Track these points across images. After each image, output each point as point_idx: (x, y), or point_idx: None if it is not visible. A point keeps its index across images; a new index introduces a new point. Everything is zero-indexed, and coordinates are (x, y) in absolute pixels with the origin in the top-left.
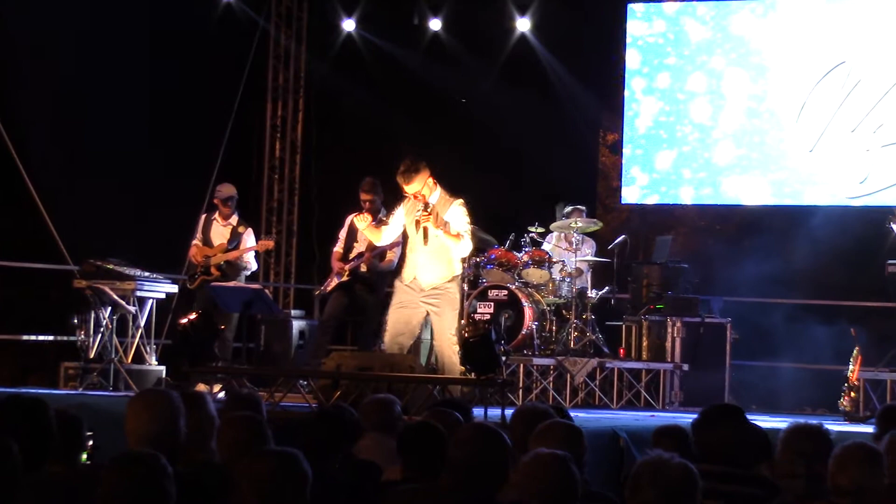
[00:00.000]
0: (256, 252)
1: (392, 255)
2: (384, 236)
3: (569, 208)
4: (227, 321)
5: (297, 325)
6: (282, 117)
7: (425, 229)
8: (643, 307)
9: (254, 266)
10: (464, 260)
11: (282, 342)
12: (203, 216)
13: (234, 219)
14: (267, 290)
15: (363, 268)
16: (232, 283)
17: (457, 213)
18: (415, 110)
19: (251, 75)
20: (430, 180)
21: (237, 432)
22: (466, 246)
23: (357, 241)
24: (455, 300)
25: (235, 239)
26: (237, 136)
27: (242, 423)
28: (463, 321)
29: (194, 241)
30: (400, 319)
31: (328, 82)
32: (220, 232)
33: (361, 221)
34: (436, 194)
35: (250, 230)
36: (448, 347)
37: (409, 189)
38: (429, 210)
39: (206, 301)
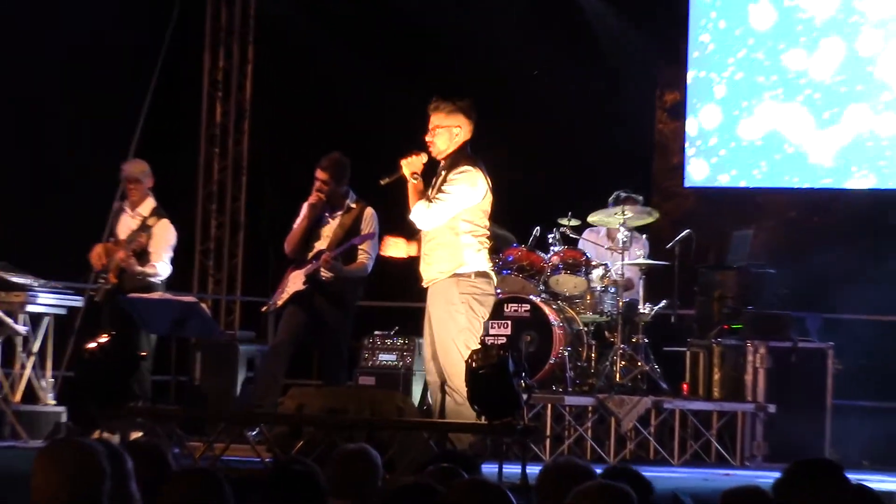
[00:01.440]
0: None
1: (367, 256)
2: (434, 211)
3: (622, 195)
4: (147, 346)
5: (244, 351)
6: (224, 71)
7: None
8: (714, 327)
9: (163, 273)
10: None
11: (224, 375)
12: (116, 205)
13: (147, 207)
14: (204, 305)
15: (324, 273)
16: (156, 295)
17: (448, 181)
18: (409, 62)
19: (183, 15)
20: (458, 133)
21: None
22: (426, 216)
23: (320, 236)
24: (454, 301)
25: (137, 234)
26: (163, 98)
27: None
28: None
29: (111, 240)
30: (426, 337)
31: (288, 23)
32: (127, 225)
33: (414, 162)
34: (453, 157)
35: (166, 223)
36: (448, 375)
37: (431, 121)
38: (428, 144)
39: (119, 318)
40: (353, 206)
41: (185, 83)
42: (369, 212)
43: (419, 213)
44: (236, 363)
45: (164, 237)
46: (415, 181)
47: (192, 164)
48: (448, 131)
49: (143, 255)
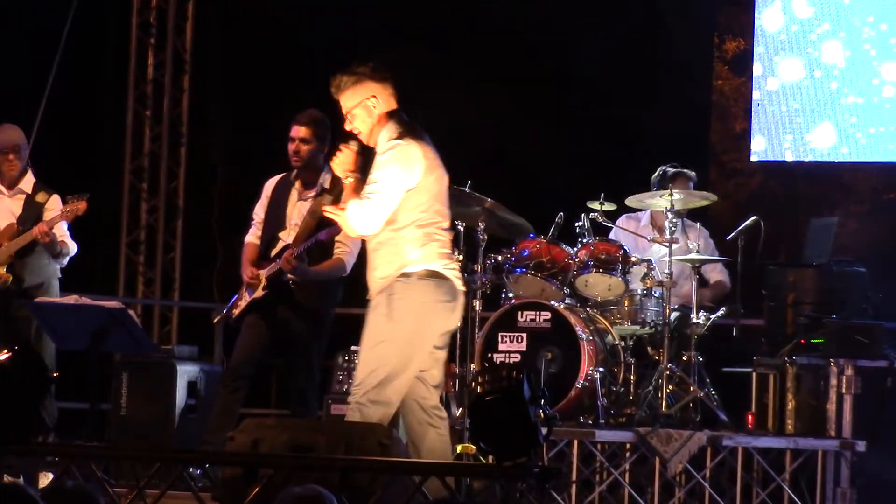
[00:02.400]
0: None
1: (345, 251)
2: (370, 209)
3: (669, 170)
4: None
5: (184, 372)
6: (157, 10)
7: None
8: (788, 342)
9: (73, 247)
10: (445, 247)
11: (158, 402)
12: None
13: (29, 182)
14: (132, 312)
15: (283, 264)
16: (71, 299)
17: (374, 167)
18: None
19: None
20: (375, 104)
21: None
22: (363, 218)
23: (285, 225)
24: (392, 313)
25: (33, 213)
26: (78, 45)
27: None
28: (473, 365)
29: None
30: None
31: None
32: (5, 209)
33: (343, 158)
34: (385, 134)
35: (57, 197)
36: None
37: (342, 106)
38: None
39: (21, 330)
40: (329, 186)
41: (106, 25)
42: None
43: (354, 216)
44: (173, 387)
45: (63, 215)
46: (350, 180)
47: (116, 130)
48: (363, 108)
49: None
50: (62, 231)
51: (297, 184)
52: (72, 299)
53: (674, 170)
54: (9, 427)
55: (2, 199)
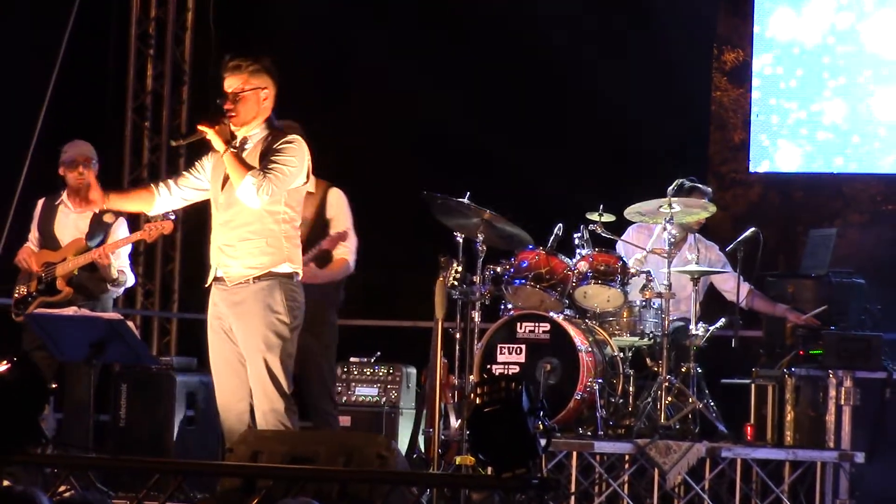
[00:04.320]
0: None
1: (347, 251)
2: (271, 182)
3: (687, 183)
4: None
5: (183, 383)
6: (157, 21)
7: (224, 177)
8: (787, 354)
9: (130, 279)
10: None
11: (157, 414)
12: (41, 202)
13: None
14: (131, 323)
15: None
16: (70, 311)
17: (277, 150)
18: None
19: None
20: (266, 96)
21: None
22: (261, 190)
23: None
24: (278, 309)
25: (100, 231)
26: (78, 56)
27: None
28: (472, 377)
29: (26, 244)
30: (221, 353)
31: None
32: (71, 223)
33: (223, 129)
34: (257, 129)
35: (123, 221)
36: (260, 395)
37: (227, 83)
38: (226, 106)
39: (34, 340)
40: (313, 190)
41: (106, 36)
42: (335, 194)
43: (250, 187)
44: (172, 398)
45: (125, 239)
46: (234, 150)
47: (116, 141)
48: (255, 95)
49: (92, 265)
50: (123, 261)
51: None
52: (70, 310)
53: (691, 184)
54: (8, 438)
55: (68, 215)
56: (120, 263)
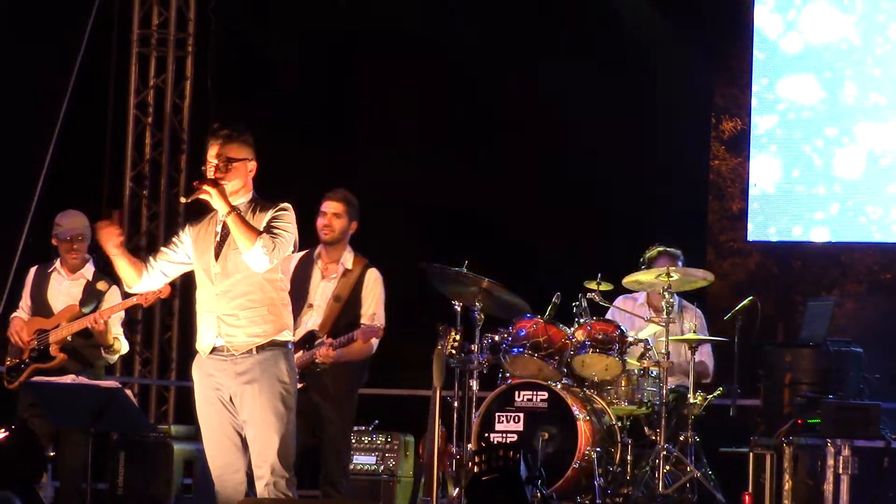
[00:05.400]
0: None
1: (372, 338)
2: (278, 246)
3: (653, 250)
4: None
5: (181, 451)
6: (155, 89)
7: (218, 240)
8: (785, 422)
9: (125, 346)
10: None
11: (155, 482)
12: (33, 270)
13: (89, 269)
14: (129, 392)
15: (319, 358)
16: (68, 379)
17: (276, 217)
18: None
19: (104, 15)
20: (252, 168)
21: None
22: (270, 256)
23: (310, 305)
24: (286, 379)
25: (93, 298)
26: (77, 125)
27: None
28: (470, 445)
29: (15, 314)
30: (217, 426)
31: (242, 24)
32: (64, 291)
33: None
34: (243, 199)
35: (116, 289)
36: (261, 464)
37: (217, 152)
38: (215, 175)
39: (29, 407)
40: (350, 267)
41: (105, 104)
42: (373, 275)
43: (260, 249)
44: (170, 466)
45: (121, 304)
46: (238, 212)
47: (112, 208)
48: (244, 165)
49: (86, 332)
50: (117, 329)
51: (321, 262)
52: (69, 379)
53: (661, 247)
54: None
55: (61, 282)
56: (115, 331)
